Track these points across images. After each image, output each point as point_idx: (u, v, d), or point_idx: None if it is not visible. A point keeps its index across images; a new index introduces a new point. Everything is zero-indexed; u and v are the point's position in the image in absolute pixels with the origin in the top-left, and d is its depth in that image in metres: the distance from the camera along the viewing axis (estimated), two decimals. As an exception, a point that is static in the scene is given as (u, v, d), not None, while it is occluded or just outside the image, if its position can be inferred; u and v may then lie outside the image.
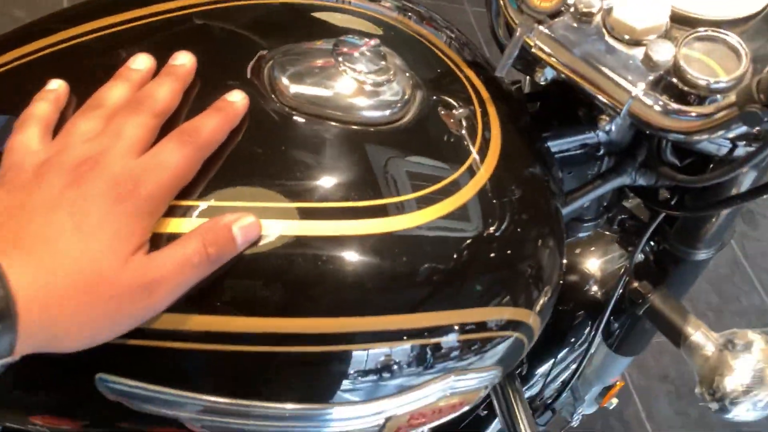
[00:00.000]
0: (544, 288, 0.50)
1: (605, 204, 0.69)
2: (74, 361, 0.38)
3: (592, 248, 1.03)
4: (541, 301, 0.50)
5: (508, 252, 0.48)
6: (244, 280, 0.39)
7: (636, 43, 0.48)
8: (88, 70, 0.46)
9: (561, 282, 0.56)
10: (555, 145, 0.58)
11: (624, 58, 0.48)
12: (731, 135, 0.44)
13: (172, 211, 0.39)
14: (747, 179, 0.57)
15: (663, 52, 0.47)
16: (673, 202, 0.64)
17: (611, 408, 1.23)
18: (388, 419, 0.45)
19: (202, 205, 0.39)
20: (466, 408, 0.52)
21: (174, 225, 0.38)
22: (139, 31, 0.48)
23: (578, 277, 0.99)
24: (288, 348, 0.40)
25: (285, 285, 0.40)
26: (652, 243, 0.71)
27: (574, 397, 1.09)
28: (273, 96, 0.45)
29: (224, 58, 0.48)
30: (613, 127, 0.58)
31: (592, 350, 0.98)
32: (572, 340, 0.99)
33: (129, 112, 0.40)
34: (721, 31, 0.48)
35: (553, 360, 1.00)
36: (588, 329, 0.97)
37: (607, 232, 1.01)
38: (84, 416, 0.42)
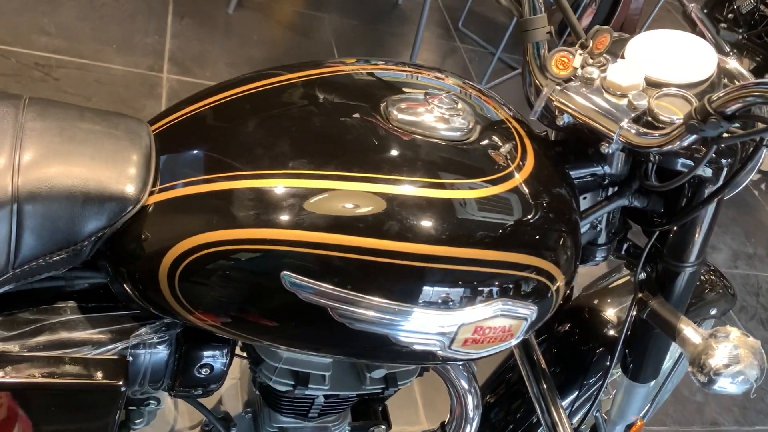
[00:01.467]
0: (566, 263, 0.74)
1: (614, 231, 0.92)
2: (267, 264, 0.62)
3: (609, 299, 1.24)
4: (565, 270, 0.73)
5: (542, 227, 0.72)
6: (373, 216, 0.65)
7: (622, 96, 0.74)
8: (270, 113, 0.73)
9: (575, 276, 0.78)
10: (573, 175, 0.83)
11: (615, 105, 0.74)
12: (685, 144, 0.68)
13: (326, 176, 0.65)
14: (708, 191, 0.80)
15: (640, 100, 0.73)
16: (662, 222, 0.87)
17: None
18: (459, 327, 0.67)
19: (347, 174, 0.65)
20: (513, 341, 0.73)
21: (324, 184, 0.65)
22: (297, 86, 0.76)
23: (598, 322, 1.19)
24: (398, 261, 0.64)
25: (397, 221, 0.64)
26: (652, 264, 0.93)
27: (598, 433, 1.24)
28: (387, 121, 0.72)
29: (353, 103, 0.75)
30: (613, 159, 0.82)
31: (609, 375, 1.16)
32: (593, 374, 1.18)
33: None
34: (680, 90, 0.74)
35: (577, 392, 1.18)
36: (606, 363, 1.16)
37: (622, 281, 1.23)
38: (265, 305, 0.65)
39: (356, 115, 0.72)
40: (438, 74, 0.85)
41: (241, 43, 2.67)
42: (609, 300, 1.23)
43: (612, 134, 0.73)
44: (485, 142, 0.75)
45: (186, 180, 0.66)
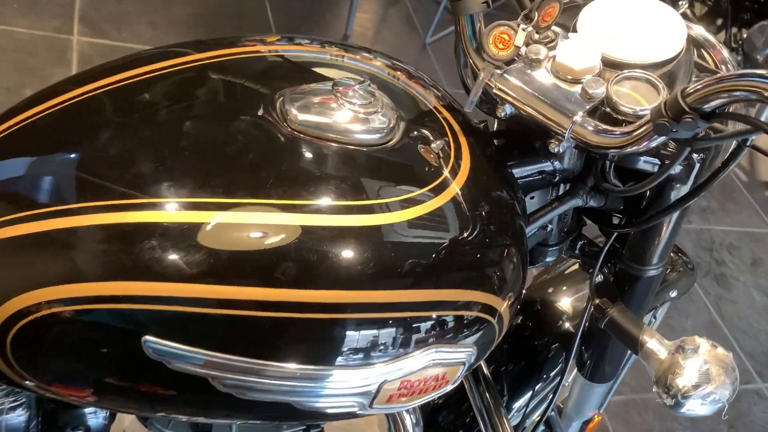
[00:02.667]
0: (511, 288, 0.61)
1: (566, 230, 0.80)
2: (122, 328, 0.48)
3: (564, 287, 1.13)
4: (509, 299, 0.60)
5: (480, 249, 0.58)
6: (264, 258, 0.49)
7: (575, 81, 0.61)
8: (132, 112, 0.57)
9: (523, 290, 0.66)
10: (517, 172, 0.69)
11: (566, 94, 0.60)
12: (652, 146, 0.55)
13: (201, 206, 0.49)
14: (678, 194, 0.68)
15: (596, 88, 0.59)
16: (622, 223, 0.75)
17: (593, 447, 1.29)
18: (381, 385, 0.54)
19: (230, 201, 0.50)
20: (448, 388, 0.60)
21: (199, 216, 0.49)
22: (170, 79, 0.60)
23: (551, 314, 1.08)
24: (299, 315, 0.49)
25: (298, 263, 0.50)
26: (609, 265, 0.81)
27: (554, 432, 1.16)
28: (284, 124, 0.56)
29: (243, 97, 0.59)
30: (564, 155, 0.69)
31: (566, 381, 1.06)
32: (547, 372, 1.08)
33: None
34: (644, 72, 0.60)
35: (531, 392, 1.08)
36: (561, 360, 1.06)
37: (576, 268, 1.12)
38: (127, 376, 0.50)
39: (245, 117, 0.56)
40: (365, 55, 0.70)
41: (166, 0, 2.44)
42: (564, 288, 1.12)
43: (563, 131, 0.60)
44: (411, 143, 0.60)
45: (22, 213, 0.50)
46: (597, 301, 0.80)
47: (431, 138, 0.62)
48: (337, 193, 0.53)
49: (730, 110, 0.51)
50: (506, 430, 0.91)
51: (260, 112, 0.57)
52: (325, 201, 0.52)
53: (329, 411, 0.55)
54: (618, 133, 0.56)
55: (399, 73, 0.69)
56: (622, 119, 0.59)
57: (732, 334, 2.41)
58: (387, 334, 0.52)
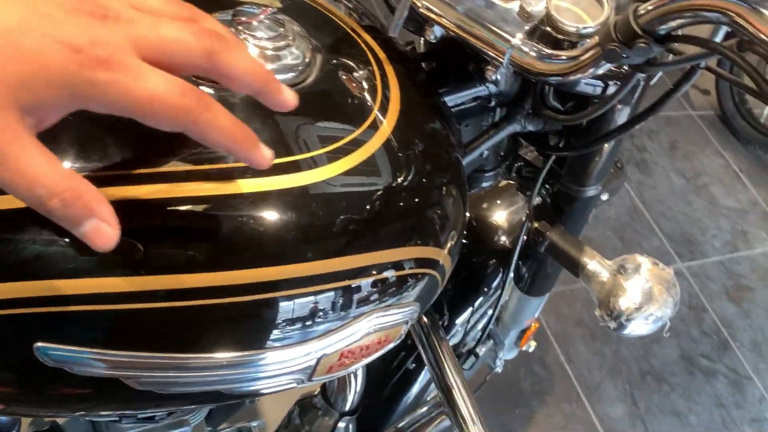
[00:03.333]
0: (451, 230, 0.55)
1: (502, 153, 0.75)
2: (11, 333, 0.40)
3: (498, 201, 1.10)
4: (450, 242, 0.55)
5: (417, 198, 0.52)
6: (170, 239, 0.42)
7: None
8: None
9: (466, 225, 0.61)
10: (450, 100, 0.63)
11: (502, 13, 0.53)
12: (599, 72, 0.49)
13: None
14: (621, 116, 0.64)
15: (536, 4, 0.52)
16: (561, 145, 0.70)
17: (530, 351, 1.32)
18: (319, 359, 0.49)
19: (117, 173, 0.41)
20: (391, 345, 0.56)
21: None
22: None
23: (487, 229, 1.06)
24: (218, 300, 0.43)
25: (210, 242, 0.42)
26: (547, 186, 0.78)
27: (494, 342, 1.16)
28: None
29: None
30: (501, 78, 0.63)
31: (505, 296, 1.06)
32: (486, 288, 1.06)
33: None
34: (586, -18, 0.54)
35: (471, 309, 1.07)
36: (500, 276, 1.04)
37: (511, 182, 1.08)
38: (28, 386, 0.43)
39: None
40: None
41: None
42: (498, 202, 1.09)
43: (500, 57, 0.53)
44: (331, 80, 0.52)
45: None
46: (536, 224, 0.77)
47: (354, 70, 0.54)
48: None
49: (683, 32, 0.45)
50: (445, 350, 0.89)
51: None
52: (228, 163, 0.44)
53: (264, 391, 0.50)
54: (564, 58, 0.50)
55: None
56: (563, 39, 0.53)
57: (653, 218, 2.49)
58: (321, 308, 0.46)
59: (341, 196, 0.47)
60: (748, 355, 2.24)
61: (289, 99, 0.41)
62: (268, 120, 0.47)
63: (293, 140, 0.47)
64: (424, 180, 0.53)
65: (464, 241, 1.07)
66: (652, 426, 1.94)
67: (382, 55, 0.57)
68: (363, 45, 0.57)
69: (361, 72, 0.55)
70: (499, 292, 1.00)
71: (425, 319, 0.89)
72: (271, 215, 0.44)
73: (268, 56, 0.49)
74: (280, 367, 0.48)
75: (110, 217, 0.35)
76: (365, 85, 0.54)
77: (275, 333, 0.46)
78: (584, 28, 0.52)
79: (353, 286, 0.48)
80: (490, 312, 1.03)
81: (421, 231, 0.53)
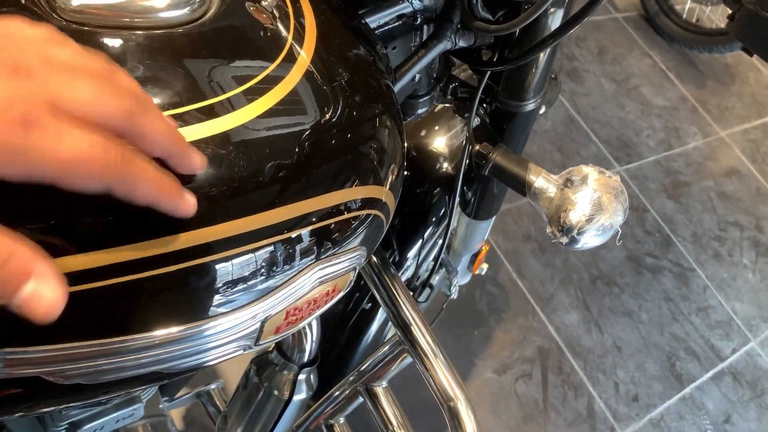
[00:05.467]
0: (390, 164, 0.51)
1: (435, 76, 0.70)
2: None
3: (436, 127, 1.06)
4: (391, 176, 0.51)
5: (348, 134, 0.48)
6: (77, 210, 0.36)
7: None
8: None
9: (405, 156, 0.57)
10: (372, 21, 0.58)
11: None
12: None
13: None
14: (555, 21, 0.60)
15: None
16: (495, 60, 0.66)
17: (483, 274, 1.31)
18: (264, 321, 0.45)
19: None
20: (341, 294, 0.53)
21: None
22: None
23: (428, 158, 1.02)
24: (143, 273, 0.38)
25: (122, 209, 0.37)
26: (485, 105, 0.74)
27: (447, 270, 1.15)
28: (54, 15, 0.41)
29: None
30: None
31: (453, 223, 1.03)
32: (434, 217, 1.04)
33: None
34: None
35: (421, 241, 1.05)
36: (446, 204, 1.02)
37: (447, 105, 1.05)
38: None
39: None
40: None
41: None
42: (436, 128, 1.05)
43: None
44: (235, 9, 0.46)
45: None
46: (477, 146, 0.74)
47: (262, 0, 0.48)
48: (157, 101, 0.39)
49: None
50: (398, 287, 0.87)
51: (10, 4, 0.41)
52: None
53: (208, 364, 0.46)
54: None
55: None
56: None
57: (588, 126, 2.51)
58: (258, 267, 0.42)
59: (263, 141, 0.42)
60: (689, 248, 2.31)
61: (199, 161, 0.37)
62: (169, 65, 0.41)
63: (204, 83, 0.41)
64: (354, 113, 0.49)
65: (406, 173, 1.04)
66: (606, 328, 2.00)
67: None
68: None
69: (270, 1, 0.49)
70: (446, 220, 0.97)
71: (375, 259, 0.85)
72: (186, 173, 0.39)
73: (158, -10, 0.43)
74: (222, 337, 0.44)
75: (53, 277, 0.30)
76: (275, 13, 0.48)
77: (211, 301, 0.41)
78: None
79: (290, 238, 0.43)
80: (440, 242, 1.01)
81: (357, 169, 0.48)
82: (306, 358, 0.81)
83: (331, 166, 0.46)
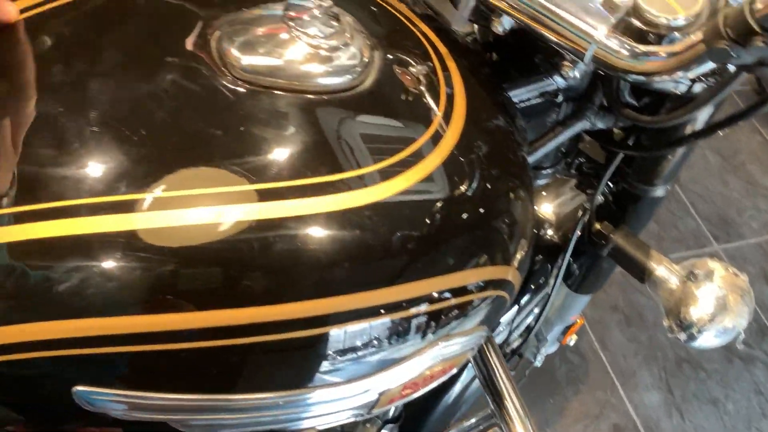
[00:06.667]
0: (520, 241, 0.50)
1: (563, 150, 0.69)
2: (48, 378, 0.36)
3: (544, 193, 1.04)
4: (519, 255, 0.50)
5: (482, 211, 0.47)
6: (210, 271, 0.37)
7: None
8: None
9: (534, 230, 0.55)
10: (515, 95, 0.57)
11: (583, 3, 0.47)
12: (700, 72, 0.43)
13: (118, 206, 0.36)
14: (702, 115, 0.57)
15: None
16: (630, 142, 0.64)
17: (571, 345, 1.27)
18: (381, 393, 0.44)
19: (151, 196, 0.37)
20: (455, 370, 0.51)
21: (121, 222, 0.36)
22: (74, 12, 0.44)
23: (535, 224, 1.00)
24: (267, 337, 0.38)
25: (254, 272, 0.37)
26: (609, 183, 0.72)
27: (537, 339, 1.11)
28: (224, 69, 0.42)
29: (163, 32, 0.44)
30: (577, 74, 0.57)
31: (552, 294, 1.00)
32: (532, 285, 1.01)
33: None
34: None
35: (517, 307, 1.02)
36: (548, 273, 0.99)
37: (563, 176, 1.03)
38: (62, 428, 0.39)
39: (172, 64, 0.42)
40: None
41: None
42: (543, 194, 1.03)
43: (582, 52, 0.47)
44: (389, 83, 0.47)
45: None
46: (598, 225, 0.71)
47: (414, 70, 0.49)
48: (298, 169, 0.40)
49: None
50: (492, 351, 0.84)
51: (191, 56, 0.42)
52: (283, 181, 0.39)
53: (321, 427, 0.45)
54: (663, 55, 0.44)
55: None
56: (650, 31, 0.46)
57: (688, 199, 2.41)
58: (382, 340, 0.42)
59: (398, 218, 0.42)
60: (787, 341, 2.17)
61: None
62: (318, 133, 0.42)
63: (344, 156, 0.42)
64: (489, 189, 0.48)
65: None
66: (688, 414, 1.89)
67: (443, 49, 0.52)
68: (423, 38, 0.52)
69: (422, 71, 0.49)
70: (546, 290, 0.95)
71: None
72: (319, 241, 0.39)
73: (323, 57, 0.44)
74: (339, 404, 0.43)
75: None
76: (427, 86, 0.48)
77: (331, 369, 0.41)
78: (675, 19, 0.46)
79: (414, 316, 0.43)
80: (536, 310, 0.98)
81: (487, 248, 0.47)
82: (391, 415, 0.80)
83: (462, 246, 0.46)
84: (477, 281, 0.46)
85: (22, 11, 0.43)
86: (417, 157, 0.43)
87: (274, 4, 0.46)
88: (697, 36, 0.42)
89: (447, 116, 0.47)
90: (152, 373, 0.37)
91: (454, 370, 0.51)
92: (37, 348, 0.35)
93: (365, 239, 0.40)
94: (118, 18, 0.44)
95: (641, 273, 0.68)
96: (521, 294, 1.01)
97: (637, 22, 0.46)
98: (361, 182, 0.41)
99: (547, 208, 1.02)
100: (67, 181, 0.36)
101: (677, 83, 0.53)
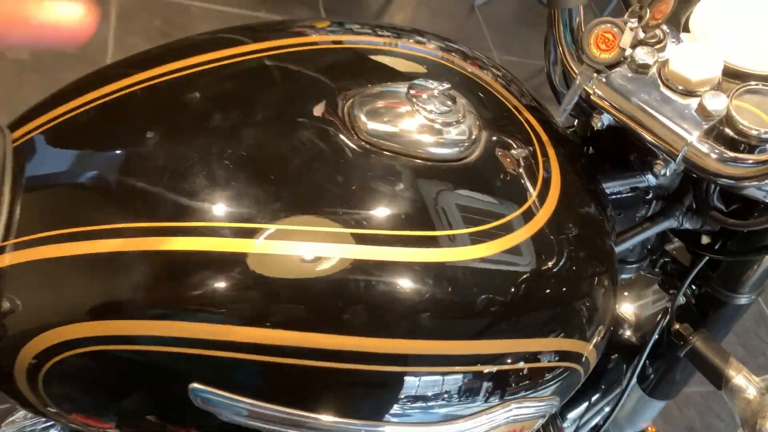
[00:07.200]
0: (599, 323, 0.53)
1: (649, 247, 0.72)
2: (172, 370, 0.41)
3: (626, 293, 1.05)
4: (597, 336, 0.53)
5: (565, 288, 0.51)
6: (323, 301, 0.42)
7: (690, 93, 0.52)
8: (167, 110, 0.50)
9: (614, 318, 0.58)
10: (608, 188, 0.61)
11: (679, 108, 0.52)
12: None
13: (251, 232, 0.42)
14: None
15: (717, 103, 0.50)
16: (716, 246, 0.66)
17: (640, 454, 1.23)
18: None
19: (273, 228, 0.43)
20: (524, 435, 0.54)
21: (245, 246, 0.42)
22: (221, 75, 0.52)
23: (614, 323, 1.01)
24: (358, 366, 0.43)
25: (356, 305, 0.43)
26: (693, 286, 0.73)
27: (606, 443, 1.09)
28: (351, 132, 0.49)
29: (303, 96, 0.52)
30: (668, 173, 0.60)
31: (625, 395, 0.99)
32: (604, 384, 1.00)
33: None
34: (769, 85, 0.51)
35: (587, 403, 1.01)
36: (621, 373, 0.98)
37: (643, 275, 1.03)
38: (172, 422, 0.44)
39: (307, 124, 0.49)
40: (419, 38, 0.61)
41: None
42: (625, 294, 1.04)
43: (674, 152, 0.51)
44: (493, 160, 0.52)
45: (52, 233, 0.44)
46: (677, 326, 0.73)
47: (516, 153, 0.54)
48: (402, 221, 0.45)
49: None
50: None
51: (325, 118, 0.49)
52: (390, 230, 0.45)
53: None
54: (750, 162, 0.48)
55: (474, 67, 0.61)
56: (742, 141, 0.50)
57: (781, 328, 2.31)
58: (460, 390, 0.45)
59: (480, 280, 0.46)
60: None
61: None
62: (424, 193, 0.47)
63: (442, 216, 0.47)
64: (575, 269, 0.52)
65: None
66: None
67: (544, 137, 0.57)
68: (525, 124, 0.57)
69: (522, 153, 0.54)
70: (619, 390, 0.94)
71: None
72: (407, 287, 0.44)
73: (437, 130, 0.50)
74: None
75: None
76: (525, 166, 0.53)
77: (408, 410, 0.45)
78: (766, 132, 0.49)
79: (494, 373, 0.46)
80: (607, 410, 0.97)
81: (567, 323, 0.51)
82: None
83: (542, 314, 0.49)
84: (553, 351, 0.49)
85: (189, 67, 0.52)
86: (507, 230, 0.48)
87: (400, 83, 0.53)
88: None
89: (542, 197, 0.52)
90: (261, 383, 0.42)
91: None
92: (168, 343, 0.41)
93: (445, 292, 0.45)
94: (272, 82, 0.52)
95: (718, 379, 0.69)
96: (593, 391, 1.01)
97: (729, 131, 0.50)
98: (452, 242, 0.46)
99: (627, 308, 1.03)
100: (213, 205, 0.43)
101: (766, 192, 0.56)
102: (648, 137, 0.52)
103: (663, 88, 0.53)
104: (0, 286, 0.43)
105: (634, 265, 0.72)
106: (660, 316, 0.77)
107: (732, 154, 0.48)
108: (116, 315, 0.42)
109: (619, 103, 0.53)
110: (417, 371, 0.44)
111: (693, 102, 0.52)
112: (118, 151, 0.47)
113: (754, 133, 0.49)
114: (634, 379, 0.92)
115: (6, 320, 0.43)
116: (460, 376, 0.45)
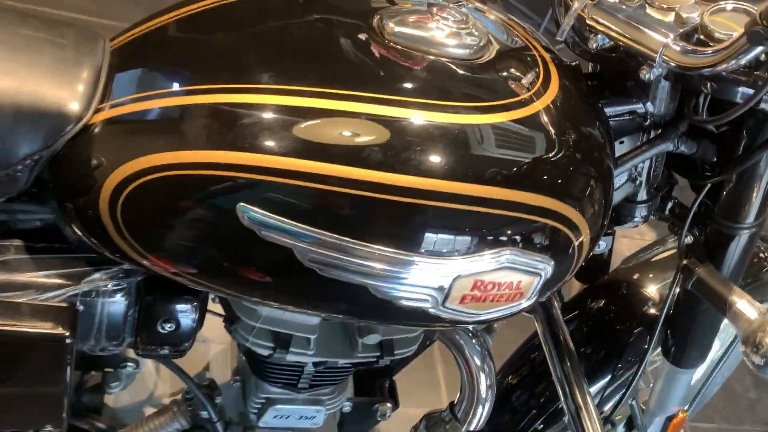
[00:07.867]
0: (591, 200, 0.61)
1: (656, 186, 0.78)
2: (221, 193, 0.52)
3: (651, 275, 1.09)
4: (589, 210, 0.60)
5: (559, 166, 0.60)
6: (354, 141, 0.54)
7: (669, 10, 0.61)
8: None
9: (607, 221, 0.65)
10: (608, 112, 0.70)
11: (659, 20, 0.61)
12: (743, 62, 0.54)
13: (299, 92, 0.54)
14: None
15: (691, 11, 0.59)
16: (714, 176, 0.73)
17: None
18: (455, 279, 0.55)
19: (325, 91, 0.54)
20: (522, 303, 0.60)
21: (296, 101, 0.54)
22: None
23: (636, 299, 1.05)
24: (382, 195, 0.53)
25: (383, 148, 0.53)
26: (701, 226, 0.79)
27: (636, 426, 1.11)
28: (381, 35, 0.60)
29: (343, 14, 0.64)
30: (657, 95, 0.68)
31: (646, 364, 1.02)
32: (629, 357, 1.04)
33: None
34: (742, 4, 0.60)
35: (611, 375, 1.05)
36: (644, 344, 1.02)
37: (666, 256, 1.09)
38: (221, 244, 0.54)
39: (343, 28, 0.61)
40: None
41: None
42: (651, 275, 1.09)
43: (654, 55, 0.60)
44: (500, 63, 0.62)
45: (137, 95, 0.57)
46: (685, 261, 0.78)
47: (520, 63, 0.64)
48: (424, 93, 0.56)
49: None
50: (587, 401, 0.89)
51: (361, 24, 0.61)
52: (411, 97, 0.55)
53: (403, 303, 0.56)
54: (710, 51, 0.56)
55: (494, 13, 0.72)
56: (716, 44, 0.58)
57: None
58: (463, 226, 0.54)
59: (490, 140, 0.56)
60: None
61: None
62: (443, 77, 0.58)
63: (458, 93, 0.58)
64: (571, 158, 0.60)
65: (612, 306, 1.07)
66: None
67: (548, 59, 0.67)
68: (532, 48, 0.67)
69: (526, 66, 0.64)
70: (640, 364, 0.98)
71: (569, 366, 0.90)
72: (433, 140, 0.55)
73: (452, 33, 0.61)
74: (422, 276, 0.55)
75: None
76: (527, 75, 0.63)
77: (422, 238, 0.54)
78: (737, 35, 0.57)
79: (494, 215, 0.55)
80: (630, 381, 1.01)
81: (562, 189, 0.59)
82: (474, 426, 0.86)
83: (538, 173, 0.58)
84: (546, 207, 0.57)
85: None
86: (507, 108, 0.58)
87: (422, 2, 0.64)
88: (740, 32, 0.54)
89: (539, 95, 0.61)
90: (295, 205, 0.53)
91: (522, 303, 0.60)
92: (220, 168, 0.52)
93: (465, 147, 0.55)
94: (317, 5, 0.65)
95: (722, 305, 0.73)
96: (616, 362, 1.04)
97: (702, 37, 0.59)
98: (465, 110, 0.57)
99: (652, 289, 1.08)
100: (275, 73, 0.56)
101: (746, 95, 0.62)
102: (632, 46, 0.61)
103: (647, 9, 0.62)
104: (101, 134, 0.56)
105: (643, 204, 0.79)
106: (673, 281, 0.82)
107: (698, 48, 0.57)
108: (177, 146, 0.53)
109: (610, 22, 0.63)
110: (433, 205, 0.54)
111: (671, 16, 0.61)
112: (193, 43, 0.60)
113: (726, 37, 0.58)
114: (656, 339, 0.95)
115: (97, 161, 0.55)
116: (467, 215, 0.54)
